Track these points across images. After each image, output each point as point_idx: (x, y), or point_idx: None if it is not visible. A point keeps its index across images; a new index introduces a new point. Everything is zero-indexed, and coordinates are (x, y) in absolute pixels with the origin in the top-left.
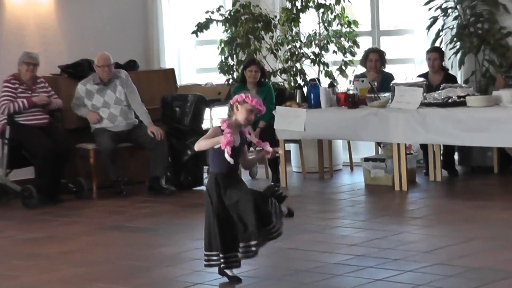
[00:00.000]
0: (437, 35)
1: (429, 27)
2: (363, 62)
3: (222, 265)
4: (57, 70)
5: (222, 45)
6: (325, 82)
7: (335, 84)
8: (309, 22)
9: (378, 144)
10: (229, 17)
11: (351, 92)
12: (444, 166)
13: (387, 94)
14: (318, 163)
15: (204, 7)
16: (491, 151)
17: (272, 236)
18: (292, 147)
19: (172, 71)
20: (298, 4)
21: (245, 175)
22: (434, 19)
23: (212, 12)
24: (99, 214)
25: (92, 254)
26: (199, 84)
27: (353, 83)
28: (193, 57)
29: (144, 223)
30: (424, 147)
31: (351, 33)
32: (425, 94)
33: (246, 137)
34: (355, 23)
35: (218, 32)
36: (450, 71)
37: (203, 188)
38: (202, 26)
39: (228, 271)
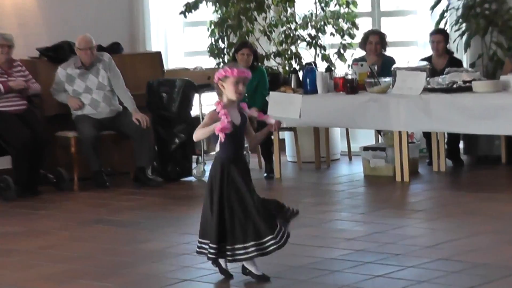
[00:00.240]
0: (442, 16)
1: (433, 8)
2: (363, 45)
3: (212, 256)
4: (36, 53)
5: (212, 26)
6: (322, 66)
7: (332, 68)
8: (305, 2)
9: (378, 132)
10: None
11: (349, 76)
12: (448, 156)
13: (388, 79)
14: (314, 153)
15: None
16: (498, 139)
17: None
18: (287, 136)
19: (158, 54)
20: None
21: None
22: None
23: None
24: (80, 207)
25: (73, 250)
26: (188, 69)
27: (351, 67)
28: (181, 40)
29: (129, 217)
30: (427, 135)
31: (349, 14)
32: (428, 79)
33: (246, 112)
34: (354, 3)
35: (207, 12)
36: (455, 55)
37: (192, 179)
38: (191, 6)
39: (222, 263)
